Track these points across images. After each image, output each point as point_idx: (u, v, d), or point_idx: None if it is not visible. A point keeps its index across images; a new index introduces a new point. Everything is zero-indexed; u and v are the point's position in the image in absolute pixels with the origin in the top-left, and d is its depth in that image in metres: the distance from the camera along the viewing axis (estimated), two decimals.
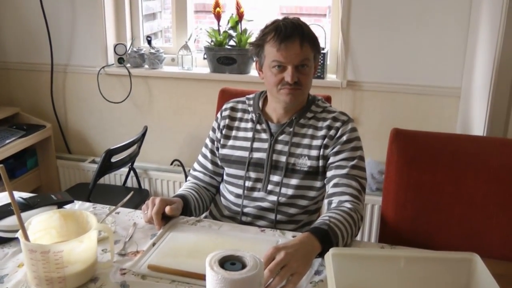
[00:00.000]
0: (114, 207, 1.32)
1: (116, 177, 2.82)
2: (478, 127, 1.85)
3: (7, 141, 2.55)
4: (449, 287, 0.99)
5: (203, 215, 1.62)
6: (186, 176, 2.72)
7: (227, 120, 1.59)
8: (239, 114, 1.59)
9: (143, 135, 2.51)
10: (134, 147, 2.47)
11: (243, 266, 0.92)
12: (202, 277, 1.02)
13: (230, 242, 1.27)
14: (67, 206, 1.40)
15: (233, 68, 2.63)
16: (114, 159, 2.26)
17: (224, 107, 1.63)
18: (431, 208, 1.41)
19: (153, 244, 1.24)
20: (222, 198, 1.63)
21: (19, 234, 1.03)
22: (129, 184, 2.77)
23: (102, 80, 2.84)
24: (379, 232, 1.51)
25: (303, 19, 1.47)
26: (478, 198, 1.37)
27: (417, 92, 2.43)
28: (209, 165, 1.63)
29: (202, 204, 1.58)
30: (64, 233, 1.15)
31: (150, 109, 2.86)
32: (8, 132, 2.66)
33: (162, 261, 1.16)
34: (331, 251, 0.97)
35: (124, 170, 2.66)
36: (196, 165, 1.67)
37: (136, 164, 2.67)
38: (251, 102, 1.59)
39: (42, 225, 1.12)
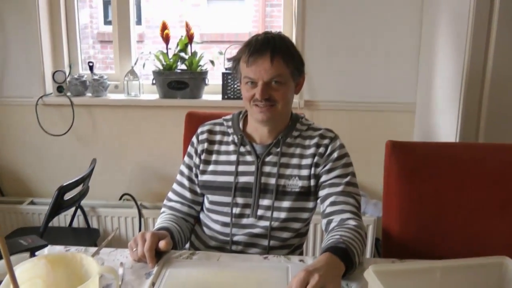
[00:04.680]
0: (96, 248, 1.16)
1: (60, 218, 2.54)
2: (446, 136, 1.90)
3: None
4: None
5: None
6: (139, 210, 2.53)
7: (205, 144, 1.48)
8: (218, 137, 1.49)
9: (93, 169, 2.30)
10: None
11: None
12: None
13: (237, 274, 1.15)
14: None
15: (185, 93, 2.51)
16: (65, 197, 2.04)
17: (199, 130, 1.52)
18: (434, 217, 1.40)
19: (153, 284, 1.09)
20: (205, 228, 1.50)
21: None
22: (75, 224, 2.51)
23: (40, 112, 2.58)
24: (382, 247, 1.47)
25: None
26: (479, 203, 1.39)
27: (372, 109, 2.48)
28: (187, 194, 1.50)
29: (184, 236, 1.44)
30: (51, 282, 0.97)
31: (94, 140, 2.64)
32: None
33: None
34: (372, 268, 0.90)
35: (69, 209, 2.41)
36: (171, 195, 1.53)
37: (82, 202, 2.43)
38: (230, 123, 1.49)
39: (25, 275, 0.93)
